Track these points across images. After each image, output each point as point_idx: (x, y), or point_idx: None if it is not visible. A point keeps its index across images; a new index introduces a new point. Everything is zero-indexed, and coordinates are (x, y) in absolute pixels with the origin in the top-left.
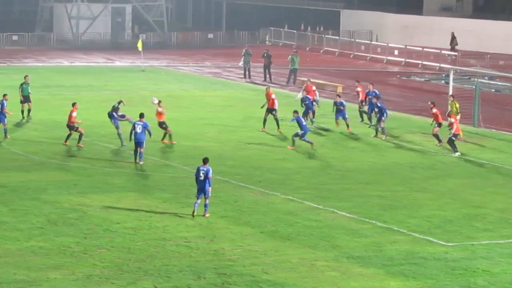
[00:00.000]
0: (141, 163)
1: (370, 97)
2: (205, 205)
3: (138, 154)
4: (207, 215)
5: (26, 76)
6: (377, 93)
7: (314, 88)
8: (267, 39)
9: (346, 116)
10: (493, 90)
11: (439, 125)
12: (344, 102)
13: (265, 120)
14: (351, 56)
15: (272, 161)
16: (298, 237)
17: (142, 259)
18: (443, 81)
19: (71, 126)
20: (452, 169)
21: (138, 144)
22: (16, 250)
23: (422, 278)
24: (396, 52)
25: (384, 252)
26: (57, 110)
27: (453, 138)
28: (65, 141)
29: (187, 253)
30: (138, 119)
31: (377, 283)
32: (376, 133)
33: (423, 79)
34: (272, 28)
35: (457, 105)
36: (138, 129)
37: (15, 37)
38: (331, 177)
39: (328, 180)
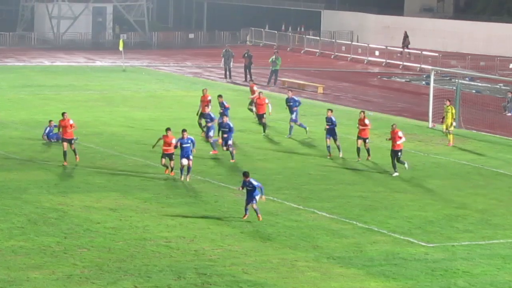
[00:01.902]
0: (188, 179)
1: (290, 104)
2: (255, 210)
3: (186, 168)
4: (260, 218)
5: None
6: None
7: (267, 101)
8: (248, 39)
9: (336, 136)
10: (474, 91)
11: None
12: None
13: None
14: (332, 57)
15: (252, 161)
16: (279, 238)
17: (122, 259)
18: (423, 82)
19: (68, 140)
20: (432, 170)
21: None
22: None
23: (402, 278)
24: (377, 52)
25: (364, 253)
26: (38, 109)
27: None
28: (65, 161)
29: (168, 253)
30: (182, 137)
31: (357, 283)
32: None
33: (403, 80)
34: (253, 28)
35: (454, 111)
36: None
37: None
38: (311, 177)
39: (308, 180)
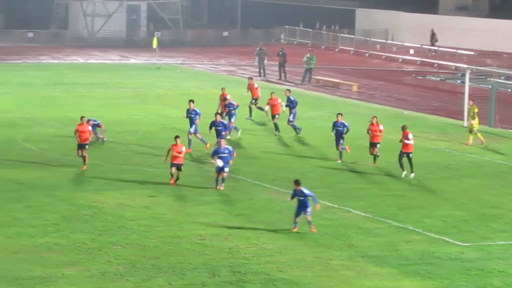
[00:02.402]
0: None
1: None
2: (309, 221)
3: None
4: (314, 230)
5: None
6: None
7: (279, 100)
8: (282, 37)
9: (343, 141)
10: (510, 90)
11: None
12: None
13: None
14: (367, 55)
15: (287, 159)
16: (313, 236)
17: (156, 256)
18: (459, 81)
19: (83, 145)
20: (467, 169)
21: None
22: (32, 247)
23: (437, 278)
24: (411, 51)
25: (399, 252)
26: (71, 107)
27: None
28: (84, 165)
29: (202, 251)
30: (218, 146)
31: (392, 282)
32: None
33: (438, 79)
34: (287, 27)
35: (476, 110)
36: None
37: (30, 34)
38: (346, 176)
39: (343, 179)
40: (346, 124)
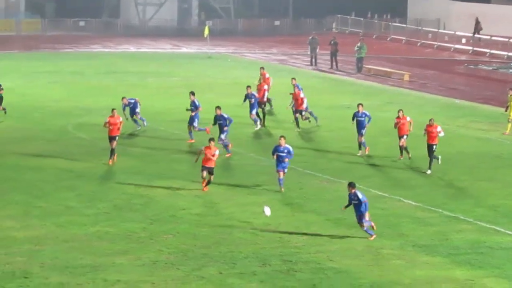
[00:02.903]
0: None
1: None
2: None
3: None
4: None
5: None
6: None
7: (302, 95)
8: (333, 26)
9: (363, 131)
10: None
11: None
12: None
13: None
14: (418, 44)
15: (338, 148)
16: None
17: (207, 245)
18: (511, 70)
19: (114, 137)
20: None
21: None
22: (83, 235)
23: (488, 267)
24: (463, 40)
25: (450, 241)
26: (123, 96)
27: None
28: (111, 158)
29: (253, 240)
30: (279, 144)
31: (443, 272)
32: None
33: (490, 68)
34: (338, 16)
35: None
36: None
37: (82, 23)
38: (397, 165)
39: (394, 168)
40: (368, 114)
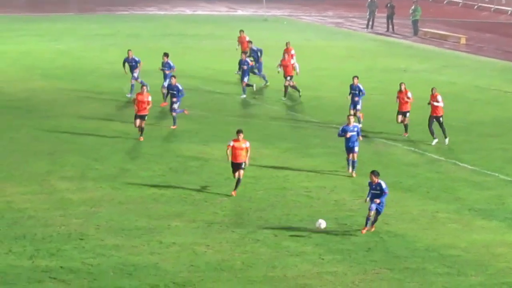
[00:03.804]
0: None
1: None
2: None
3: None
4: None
5: None
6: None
7: (292, 61)
8: None
9: (359, 106)
10: None
11: None
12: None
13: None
14: (475, 8)
15: (393, 112)
16: (419, 189)
17: (262, 208)
18: None
19: (141, 116)
20: None
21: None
22: (138, 198)
23: None
24: None
25: (506, 205)
26: (178, 58)
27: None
28: (141, 136)
29: (308, 203)
30: (348, 123)
31: (499, 236)
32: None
33: None
34: None
35: None
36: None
37: None
38: (453, 129)
39: (450, 132)
40: (362, 88)
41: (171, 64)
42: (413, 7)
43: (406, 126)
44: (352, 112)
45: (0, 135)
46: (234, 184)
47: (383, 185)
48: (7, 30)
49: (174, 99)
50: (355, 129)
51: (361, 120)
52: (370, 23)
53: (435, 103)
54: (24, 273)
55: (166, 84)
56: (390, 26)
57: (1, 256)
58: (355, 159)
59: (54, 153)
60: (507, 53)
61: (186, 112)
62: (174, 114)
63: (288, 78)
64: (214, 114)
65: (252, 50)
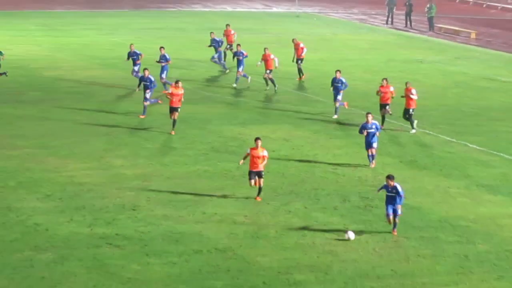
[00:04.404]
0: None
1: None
2: (394, 223)
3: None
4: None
5: None
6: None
7: (272, 56)
8: None
9: (340, 97)
10: None
11: None
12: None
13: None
14: (484, 6)
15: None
16: (434, 167)
17: (294, 183)
18: None
19: (175, 108)
20: None
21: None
22: (184, 173)
23: None
24: None
25: (510, 182)
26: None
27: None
28: (173, 129)
29: (334, 179)
30: (366, 121)
31: (504, 209)
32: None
33: None
34: None
35: None
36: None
37: None
38: (464, 114)
39: (461, 116)
40: (345, 81)
41: (167, 56)
42: (428, 5)
43: (384, 118)
44: (337, 104)
45: (64, 117)
46: (257, 190)
47: (399, 188)
48: (70, 24)
49: (147, 90)
50: (373, 126)
51: (346, 107)
52: (390, 19)
53: (411, 96)
54: (84, 239)
55: (164, 75)
56: (408, 22)
57: (64, 224)
58: (374, 153)
59: (110, 133)
60: None
61: (160, 102)
62: (146, 103)
63: (268, 71)
64: (251, 100)
65: (213, 40)
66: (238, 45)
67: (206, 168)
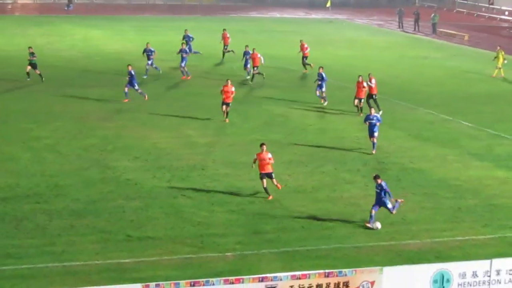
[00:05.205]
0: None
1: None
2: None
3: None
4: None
5: (30, 47)
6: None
7: (259, 55)
8: (416, 2)
9: (323, 89)
10: None
11: None
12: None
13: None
14: (475, 15)
15: (418, 86)
16: (435, 139)
17: (326, 150)
18: None
19: (227, 103)
20: None
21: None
22: (242, 141)
23: None
24: (506, 12)
25: (494, 151)
26: (273, 47)
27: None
28: (226, 118)
29: (357, 147)
30: (370, 113)
31: (488, 172)
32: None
33: None
34: None
35: (503, 54)
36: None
37: None
38: (458, 98)
39: (456, 100)
40: (325, 76)
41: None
42: (432, 14)
43: (359, 108)
44: (317, 93)
45: (154, 96)
46: (269, 190)
47: (384, 185)
48: (154, 26)
49: (131, 81)
50: (374, 118)
51: (325, 100)
52: (401, 24)
53: (370, 84)
54: (163, 191)
55: (183, 64)
56: (417, 27)
57: (149, 180)
58: (375, 141)
59: (185, 110)
60: (496, 47)
61: (145, 97)
62: (126, 89)
63: (255, 68)
64: (294, 86)
65: (186, 36)
66: (247, 46)
67: (259, 137)
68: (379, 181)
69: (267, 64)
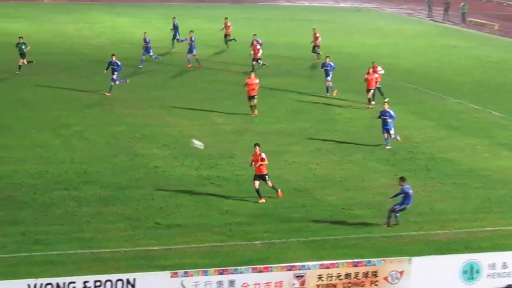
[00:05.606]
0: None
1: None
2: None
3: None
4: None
5: (20, 37)
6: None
7: (258, 47)
8: None
9: (329, 78)
10: None
11: None
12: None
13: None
14: (505, 4)
15: (447, 75)
16: (464, 129)
17: (356, 139)
18: None
19: (252, 96)
20: None
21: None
22: (270, 130)
23: None
24: None
25: None
26: (297, 36)
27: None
28: (253, 111)
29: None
30: (383, 108)
31: None
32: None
33: None
34: None
35: None
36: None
37: None
38: (488, 88)
39: (486, 89)
40: (333, 64)
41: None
42: (462, 3)
43: (370, 99)
44: (326, 84)
45: (181, 84)
46: (261, 193)
47: (406, 189)
48: (182, 15)
49: (115, 72)
50: (387, 114)
51: (333, 92)
52: (430, 13)
53: (378, 71)
54: (192, 179)
55: (195, 53)
56: (446, 16)
57: (177, 168)
58: (390, 137)
59: (213, 99)
60: None
61: (127, 81)
62: (114, 83)
63: (259, 61)
64: (320, 75)
65: (174, 24)
66: (254, 35)
67: (285, 126)
68: (404, 183)
69: (293, 53)
